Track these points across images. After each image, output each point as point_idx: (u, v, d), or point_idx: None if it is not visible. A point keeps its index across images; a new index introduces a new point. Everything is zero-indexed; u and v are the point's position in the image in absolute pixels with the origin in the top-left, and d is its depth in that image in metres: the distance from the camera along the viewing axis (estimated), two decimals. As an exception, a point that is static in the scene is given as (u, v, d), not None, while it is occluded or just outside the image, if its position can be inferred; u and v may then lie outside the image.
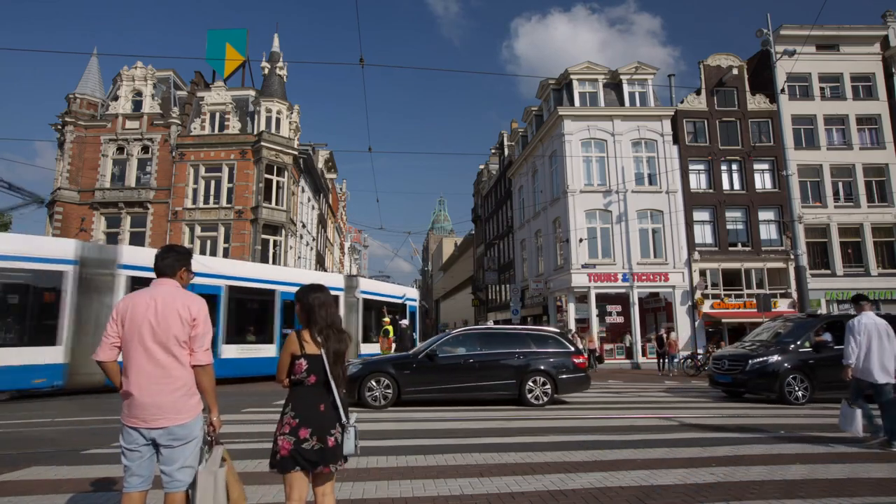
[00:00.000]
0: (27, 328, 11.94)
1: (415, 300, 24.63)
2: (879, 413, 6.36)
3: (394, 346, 16.69)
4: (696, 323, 24.63)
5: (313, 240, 36.61)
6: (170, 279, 2.85)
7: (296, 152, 29.42)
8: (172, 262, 2.88)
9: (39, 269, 11.93)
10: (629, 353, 24.41)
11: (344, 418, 2.78)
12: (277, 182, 28.01)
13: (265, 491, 4.19)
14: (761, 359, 10.69)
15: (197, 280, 13.63)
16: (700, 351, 21.72)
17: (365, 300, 20.04)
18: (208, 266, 15.17)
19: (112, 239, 26.94)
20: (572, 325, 24.17)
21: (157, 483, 2.76)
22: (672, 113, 26.27)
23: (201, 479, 2.59)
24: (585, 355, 11.16)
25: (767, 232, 25.83)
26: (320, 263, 38.44)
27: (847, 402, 6.47)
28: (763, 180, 26.22)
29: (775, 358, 10.60)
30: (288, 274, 18.39)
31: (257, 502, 3.98)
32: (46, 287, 12.16)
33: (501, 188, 41.06)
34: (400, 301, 22.55)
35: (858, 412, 6.35)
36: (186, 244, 26.51)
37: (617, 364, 23.91)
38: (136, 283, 13.61)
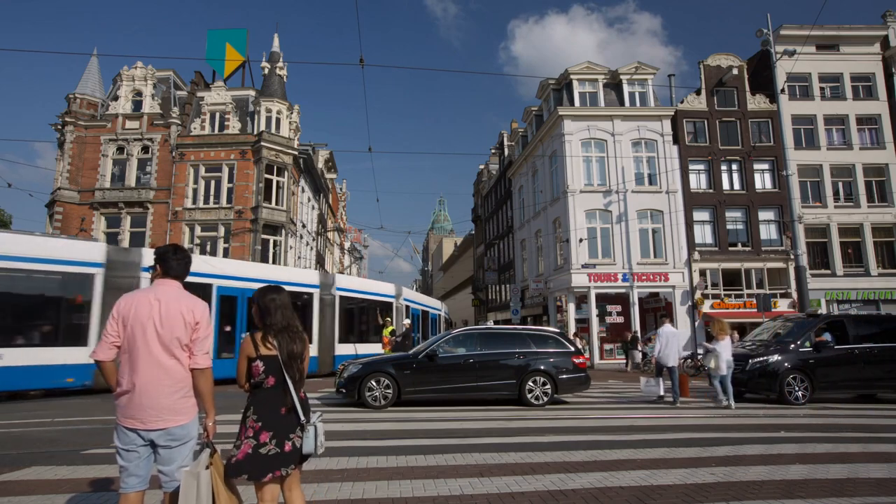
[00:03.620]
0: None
1: (445, 311, 36.19)
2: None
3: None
4: (696, 323, 24.62)
5: (313, 240, 36.61)
6: (175, 280, 2.82)
7: (296, 152, 29.41)
8: (186, 265, 2.87)
9: (296, 291, 16.68)
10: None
11: (303, 418, 2.76)
12: (277, 182, 28.01)
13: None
14: (761, 358, 10.68)
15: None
16: (700, 351, 21.68)
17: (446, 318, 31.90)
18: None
19: (112, 239, 26.96)
20: (571, 326, 24.19)
21: (153, 483, 2.76)
22: (672, 113, 26.27)
23: (184, 480, 2.56)
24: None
25: (767, 232, 25.82)
26: (320, 263, 38.42)
27: (650, 378, 11.17)
28: (763, 180, 26.21)
29: (775, 358, 10.60)
30: (415, 295, 25.87)
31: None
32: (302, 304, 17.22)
33: (501, 188, 41.06)
34: (445, 315, 34.21)
35: (660, 381, 10.78)
36: (186, 244, 26.53)
37: (617, 364, 23.89)
38: (344, 301, 19.01)
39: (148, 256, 14.17)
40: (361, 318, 20.16)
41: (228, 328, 15.26)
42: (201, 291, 13.84)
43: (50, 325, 12.15)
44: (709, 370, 10.14)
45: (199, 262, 14.90)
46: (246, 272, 16.00)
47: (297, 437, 2.74)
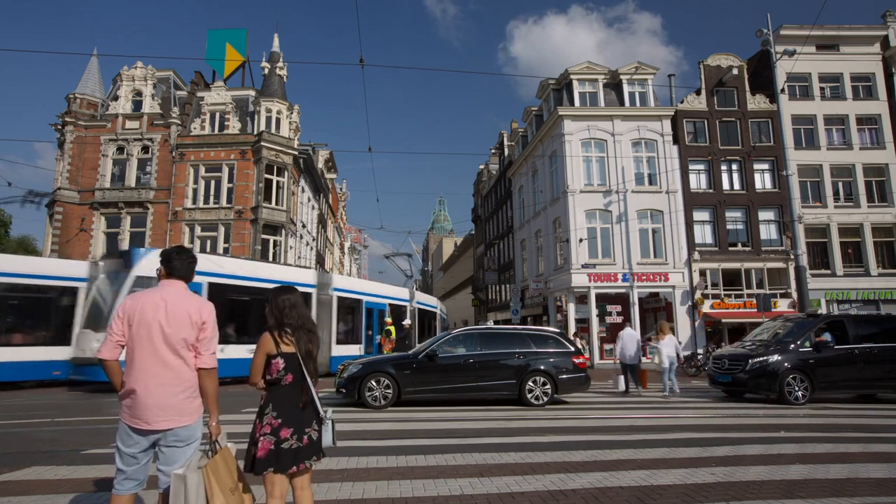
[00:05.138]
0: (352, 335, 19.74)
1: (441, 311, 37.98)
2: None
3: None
4: (696, 323, 24.62)
5: (313, 240, 36.61)
6: (179, 281, 2.83)
7: (296, 152, 29.42)
8: (190, 265, 2.89)
9: (397, 304, 22.88)
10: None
11: (322, 413, 2.86)
12: (277, 182, 28.01)
13: (262, 492, 4.18)
14: (761, 358, 10.66)
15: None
16: (700, 351, 21.70)
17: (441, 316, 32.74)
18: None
19: (112, 239, 26.97)
20: (571, 326, 24.17)
21: (150, 482, 2.76)
22: (672, 113, 26.26)
23: (172, 482, 2.56)
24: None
25: (767, 232, 25.82)
26: (320, 263, 38.43)
27: (617, 374, 12.88)
28: (763, 180, 26.21)
29: (775, 358, 10.59)
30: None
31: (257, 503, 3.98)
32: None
33: (501, 188, 41.06)
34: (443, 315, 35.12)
35: (622, 377, 12.55)
36: (186, 244, 26.52)
37: (617, 364, 23.90)
38: (420, 312, 25.22)
39: (337, 279, 20.43)
40: (424, 323, 26.62)
41: (370, 332, 20.25)
42: (357, 305, 20.01)
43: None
44: (656, 365, 12.30)
45: (353, 283, 22.42)
46: (376, 290, 22.11)
47: (314, 431, 2.84)
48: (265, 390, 2.88)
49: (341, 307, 18.60)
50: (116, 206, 27.01)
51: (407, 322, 19.50)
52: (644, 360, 13.91)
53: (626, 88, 26.74)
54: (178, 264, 2.84)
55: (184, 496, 2.53)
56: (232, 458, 2.74)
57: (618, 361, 12.77)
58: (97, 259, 17.44)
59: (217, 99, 28.45)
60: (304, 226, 33.32)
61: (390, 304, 22.03)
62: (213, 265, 14.55)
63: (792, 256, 19.11)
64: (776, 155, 24.85)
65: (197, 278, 12.83)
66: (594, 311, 24.52)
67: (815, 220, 25.35)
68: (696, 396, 12.03)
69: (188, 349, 2.68)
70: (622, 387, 12.54)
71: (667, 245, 25.15)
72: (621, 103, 26.60)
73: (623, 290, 24.71)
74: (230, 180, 27.40)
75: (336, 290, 18.73)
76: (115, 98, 28.49)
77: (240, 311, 15.39)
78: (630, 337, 12.67)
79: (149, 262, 13.24)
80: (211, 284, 13.99)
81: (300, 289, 14.72)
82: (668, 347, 11.87)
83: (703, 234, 25.73)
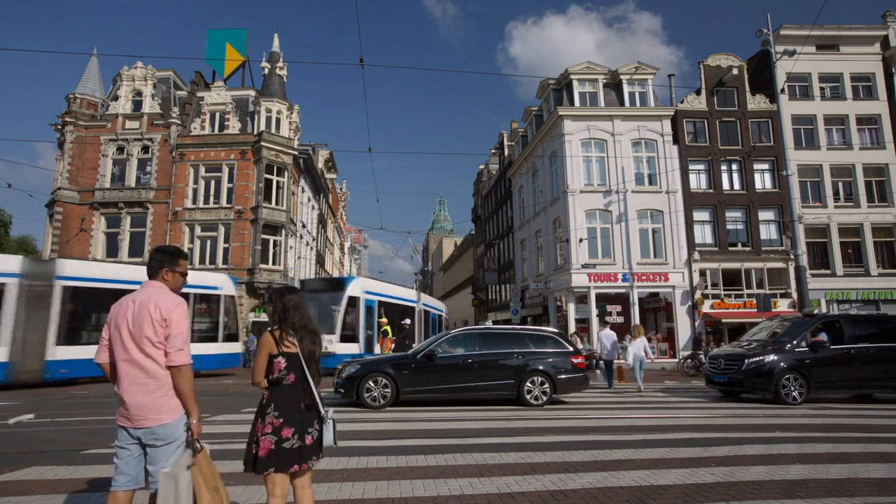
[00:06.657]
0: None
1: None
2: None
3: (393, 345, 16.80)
4: (697, 323, 24.61)
5: (313, 240, 36.61)
6: (154, 281, 2.86)
7: (296, 152, 29.42)
8: (154, 263, 2.90)
9: (438, 314, 30.64)
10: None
11: (324, 412, 2.87)
12: (277, 182, 28.02)
13: (263, 491, 4.18)
14: (757, 358, 10.63)
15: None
16: (700, 351, 21.68)
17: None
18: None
19: (112, 239, 26.98)
20: (572, 326, 24.16)
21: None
22: (672, 113, 26.26)
23: (161, 481, 2.55)
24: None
25: (767, 232, 25.81)
26: (320, 263, 38.43)
27: (601, 371, 14.82)
28: (763, 180, 26.21)
29: (771, 357, 10.57)
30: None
31: (256, 503, 3.98)
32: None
33: (501, 188, 41.06)
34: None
35: (599, 372, 14.79)
36: (186, 244, 26.52)
37: (616, 364, 23.86)
38: (443, 319, 31.98)
39: (422, 296, 26.69)
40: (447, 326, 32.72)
41: (430, 334, 24.00)
42: (412, 311, 23.64)
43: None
44: (623, 361, 13.88)
45: (426, 298, 27.82)
46: (433, 303, 29.43)
47: (315, 430, 2.85)
48: (268, 390, 2.89)
49: (424, 317, 25.25)
50: (116, 206, 27.03)
51: (407, 322, 19.50)
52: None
53: (626, 88, 26.74)
54: (149, 264, 2.91)
55: (174, 495, 2.53)
56: (209, 458, 2.75)
57: (600, 357, 14.62)
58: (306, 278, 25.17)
59: (217, 99, 28.46)
60: (304, 226, 33.33)
61: (437, 315, 29.63)
62: (382, 288, 21.32)
63: (792, 256, 19.11)
64: (776, 155, 24.85)
65: (371, 297, 19.45)
66: (594, 311, 24.51)
67: (815, 220, 25.35)
68: (694, 396, 12.02)
69: (155, 347, 2.67)
70: (602, 381, 14.38)
71: (667, 245, 25.15)
72: (621, 103, 26.60)
73: (623, 290, 24.71)
74: (230, 180, 27.41)
75: (424, 304, 26.01)
76: (115, 98, 28.51)
77: (389, 317, 20.34)
78: (606, 337, 14.36)
79: (356, 286, 19.04)
80: (379, 302, 19.86)
81: (408, 304, 19.06)
82: (637, 348, 13.45)
83: (703, 234, 25.73)
